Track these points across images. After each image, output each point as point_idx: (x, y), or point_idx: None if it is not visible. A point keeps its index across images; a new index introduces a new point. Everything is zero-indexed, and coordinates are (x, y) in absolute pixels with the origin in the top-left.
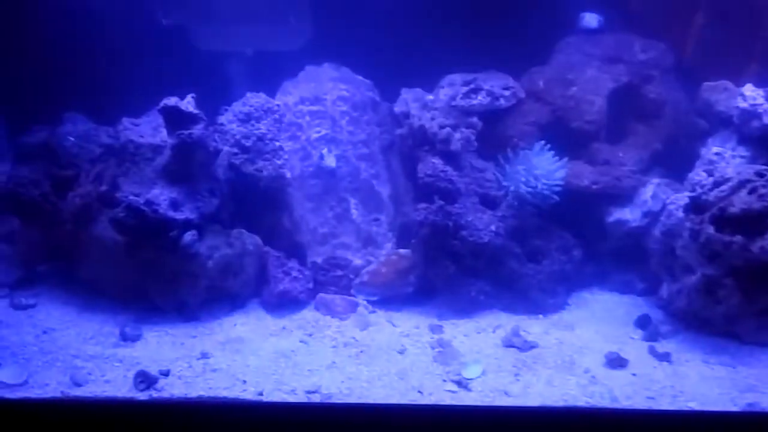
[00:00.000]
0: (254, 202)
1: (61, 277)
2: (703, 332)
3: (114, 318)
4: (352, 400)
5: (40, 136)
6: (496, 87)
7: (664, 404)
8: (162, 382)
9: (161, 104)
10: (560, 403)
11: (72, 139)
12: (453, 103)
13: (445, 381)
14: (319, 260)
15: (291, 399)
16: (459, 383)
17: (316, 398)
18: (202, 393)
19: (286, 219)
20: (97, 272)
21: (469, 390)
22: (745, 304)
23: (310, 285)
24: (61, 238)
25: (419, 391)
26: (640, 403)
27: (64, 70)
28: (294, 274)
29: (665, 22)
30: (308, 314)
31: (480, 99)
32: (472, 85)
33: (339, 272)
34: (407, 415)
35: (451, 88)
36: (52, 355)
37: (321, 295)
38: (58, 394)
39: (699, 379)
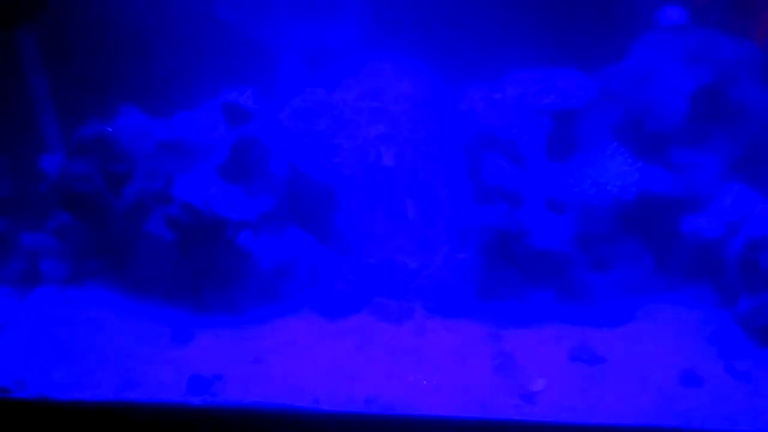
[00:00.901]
0: (309, 202)
1: (111, 273)
2: None
3: (164, 317)
4: (413, 411)
5: (95, 130)
6: (569, 86)
7: (744, 426)
8: (216, 386)
9: (221, 99)
10: (631, 423)
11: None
12: (523, 102)
13: (509, 395)
14: (373, 262)
15: (348, 407)
16: (524, 397)
17: (375, 408)
18: (257, 399)
19: (340, 219)
20: (148, 270)
21: (535, 404)
22: None
23: (364, 288)
24: (112, 234)
25: (482, 404)
26: (717, 424)
27: (119, 62)
28: (347, 276)
29: (754, 18)
30: (362, 319)
31: (552, 98)
32: (543, 84)
33: (394, 275)
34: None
35: (520, 86)
36: (105, 354)
37: (375, 299)
38: (111, 396)
39: None
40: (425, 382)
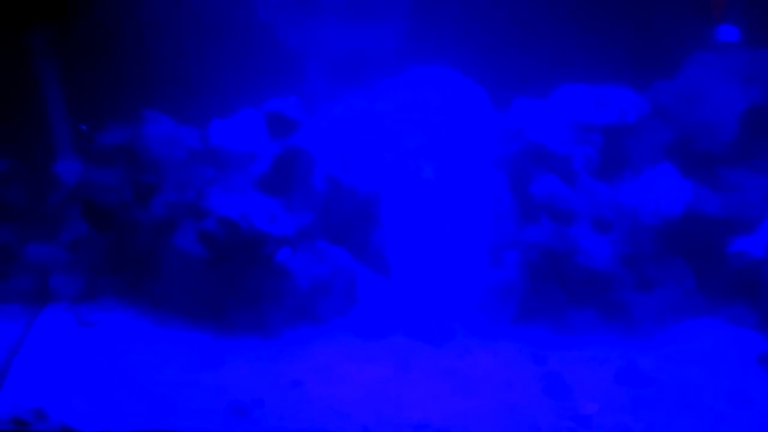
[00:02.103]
0: (347, 216)
1: (128, 290)
2: None
3: (190, 338)
4: None
5: (120, 136)
6: (619, 102)
7: None
8: (257, 412)
9: (265, 108)
10: None
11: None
12: (575, 118)
13: (560, 417)
14: (411, 280)
15: None
16: (577, 419)
17: None
18: (301, 426)
19: (378, 234)
20: (172, 287)
21: (590, 428)
22: None
23: (402, 308)
24: (134, 248)
25: (536, 428)
26: None
27: (144, 65)
28: (385, 295)
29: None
30: (401, 340)
31: (603, 114)
32: (593, 99)
33: (432, 294)
34: None
35: (570, 101)
36: (131, 380)
37: (414, 319)
38: (143, 426)
39: None
40: None
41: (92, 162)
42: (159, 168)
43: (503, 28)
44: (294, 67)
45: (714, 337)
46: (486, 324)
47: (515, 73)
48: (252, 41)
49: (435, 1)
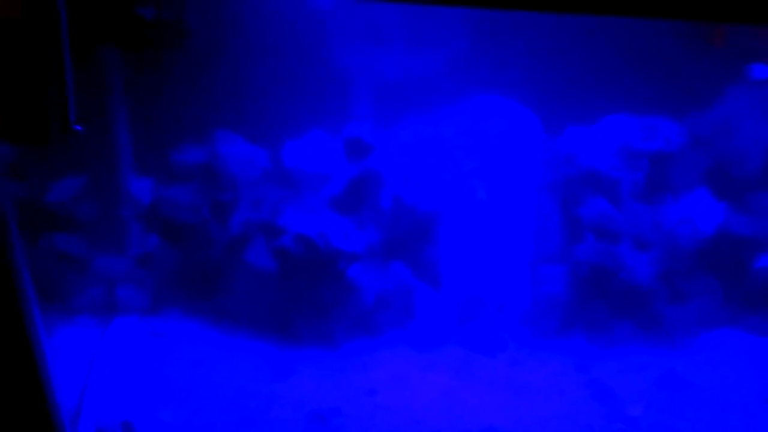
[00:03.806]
0: (408, 233)
1: (194, 303)
2: None
3: (257, 350)
4: None
5: (197, 156)
6: (663, 131)
7: None
8: (336, 420)
9: (345, 133)
10: None
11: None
12: (624, 145)
13: (610, 419)
14: (464, 294)
15: None
16: (625, 421)
17: None
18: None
19: (435, 251)
20: (239, 300)
21: (638, 429)
22: None
23: (456, 320)
24: (204, 263)
25: (591, 429)
26: None
27: (212, 86)
28: (440, 308)
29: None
30: (456, 351)
31: (652, 142)
32: (639, 128)
33: (483, 307)
34: None
35: (621, 129)
36: (211, 391)
37: (467, 331)
38: None
39: None
40: None
41: (170, 180)
42: (235, 187)
43: (556, 61)
44: (351, 91)
45: (740, 345)
46: (534, 336)
47: (566, 102)
48: (311, 66)
49: (490, 31)
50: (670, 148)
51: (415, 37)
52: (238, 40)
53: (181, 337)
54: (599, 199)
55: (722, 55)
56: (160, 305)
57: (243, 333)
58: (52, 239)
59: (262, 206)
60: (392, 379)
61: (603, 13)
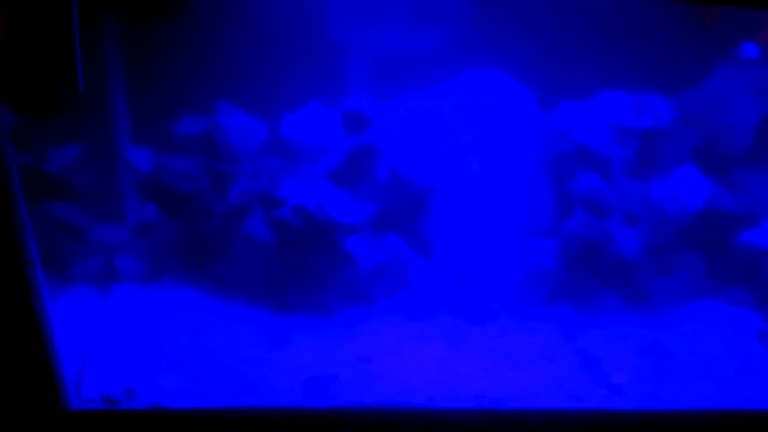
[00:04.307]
0: (403, 207)
1: (192, 273)
2: None
3: (254, 318)
4: (519, 405)
5: (197, 126)
6: (654, 108)
7: None
8: (333, 387)
9: (344, 106)
10: (705, 406)
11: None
12: (617, 122)
13: (596, 386)
14: (457, 266)
15: (461, 404)
16: (610, 388)
17: (485, 403)
18: (375, 398)
19: (429, 224)
20: (236, 269)
21: (621, 395)
22: None
23: (448, 291)
24: (202, 233)
25: (577, 396)
26: None
27: (208, 58)
28: (433, 279)
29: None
30: (448, 320)
31: (644, 120)
32: (631, 105)
33: (475, 278)
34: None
35: (614, 106)
36: (210, 359)
37: (459, 302)
38: (231, 403)
39: None
40: None
41: (170, 150)
42: (235, 158)
43: (552, 38)
44: (350, 65)
45: (720, 316)
46: (524, 306)
47: (560, 78)
48: (311, 39)
49: (490, 6)
50: (660, 125)
51: (415, 11)
52: (238, 12)
53: (180, 306)
54: (591, 175)
55: (713, 33)
56: (160, 274)
57: (241, 302)
58: (51, 208)
59: (260, 178)
60: (386, 347)
61: None
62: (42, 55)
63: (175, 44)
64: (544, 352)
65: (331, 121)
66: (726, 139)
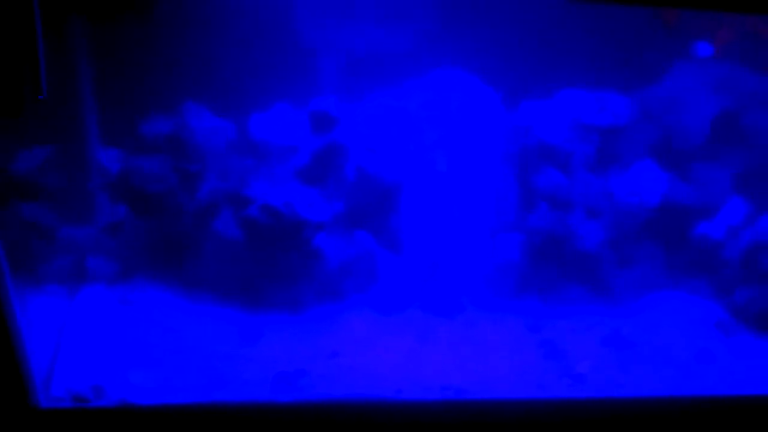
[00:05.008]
0: (371, 203)
1: (162, 272)
2: None
3: (225, 316)
4: (484, 395)
5: (165, 127)
6: (614, 105)
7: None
8: (302, 381)
9: (311, 106)
10: (665, 393)
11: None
12: (578, 119)
13: (560, 376)
14: (424, 261)
15: (428, 395)
16: (573, 377)
17: (451, 393)
18: (344, 391)
19: (397, 220)
20: (209, 269)
21: (584, 383)
22: None
23: (416, 286)
24: (172, 233)
25: (540, 386)
26: (730, 390)
27: (176, 58)
28: (400, 274)
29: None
30: (417, 314)
31: (600, 116)
32: (592, 103)
33: (443, 273)
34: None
35: (571, 104)
36: (180, 355)
37: (427, 296)
38: (200, 398)
39: None
40: None
41: (139, 151)
42: (203, 158)
43: (516, 38)
44: (318, 65)
45: (680, 305)
46: (491, 299)
47: (524, 77)
48: (279, 39)
49: (453, 8)
50: (619, 122)
51: (383, 10)
52: (206, 11)
53: (150, 305)
54: (553, 171)
55: (672, 33)
56: (129, 274)
57: (211, 300)
58: (20, 209)
59: (229, 177)
60: (356, 341)
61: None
62: (4, 59)
63: (142, 45)
64: (510, 343)
65: (299, 120)
66: (683, 135)
